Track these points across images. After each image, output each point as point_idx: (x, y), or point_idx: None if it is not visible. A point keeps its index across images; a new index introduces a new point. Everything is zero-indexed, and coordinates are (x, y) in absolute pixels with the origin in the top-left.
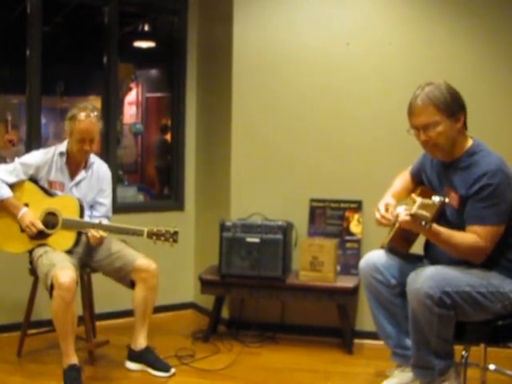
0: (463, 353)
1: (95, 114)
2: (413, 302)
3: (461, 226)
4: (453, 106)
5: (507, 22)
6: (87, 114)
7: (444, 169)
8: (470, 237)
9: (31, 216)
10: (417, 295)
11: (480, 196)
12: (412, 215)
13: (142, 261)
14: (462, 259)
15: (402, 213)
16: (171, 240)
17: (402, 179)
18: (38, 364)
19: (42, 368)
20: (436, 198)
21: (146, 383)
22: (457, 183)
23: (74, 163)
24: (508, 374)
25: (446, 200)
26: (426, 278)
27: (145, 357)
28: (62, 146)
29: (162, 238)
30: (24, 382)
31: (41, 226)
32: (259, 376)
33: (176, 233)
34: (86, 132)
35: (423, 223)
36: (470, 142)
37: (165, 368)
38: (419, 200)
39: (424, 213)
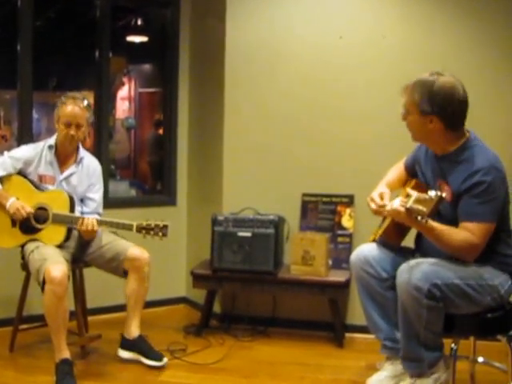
0: (452, 345)
1: (82, 101)
2: (402, 294)
3: (453, 220)
4: (426, 106)
5: (504, 13)
6: (73, 99)
7: (438, 161)
8: (463, 233)
9: (20, 202)
10: (406, 287)
11: (473, 193)
12: (407, 209)
13: (134, 249)
14: (454, 255)
15: (396, 203)
16: (160, 234)
17: (396, 170)
18: (30, 358)
19: (35, 362)
20: (432, 193)
21: (139, 377)
22: (450, 177)
23: (63, 155)
24: (496, 366)
25: (444, 195)
26: (415, 270)
27: (138, 345)
28: (52, 140)
29: (152, 233)
30: (16, 377)
31: (29, 209)
32: (251, 369)
33: (165, 226)
34: (71, 115)
35: (419, 218)
36: (465, 136)
37: (157, 357)
38: (415, 194)
39: (420, 207)
